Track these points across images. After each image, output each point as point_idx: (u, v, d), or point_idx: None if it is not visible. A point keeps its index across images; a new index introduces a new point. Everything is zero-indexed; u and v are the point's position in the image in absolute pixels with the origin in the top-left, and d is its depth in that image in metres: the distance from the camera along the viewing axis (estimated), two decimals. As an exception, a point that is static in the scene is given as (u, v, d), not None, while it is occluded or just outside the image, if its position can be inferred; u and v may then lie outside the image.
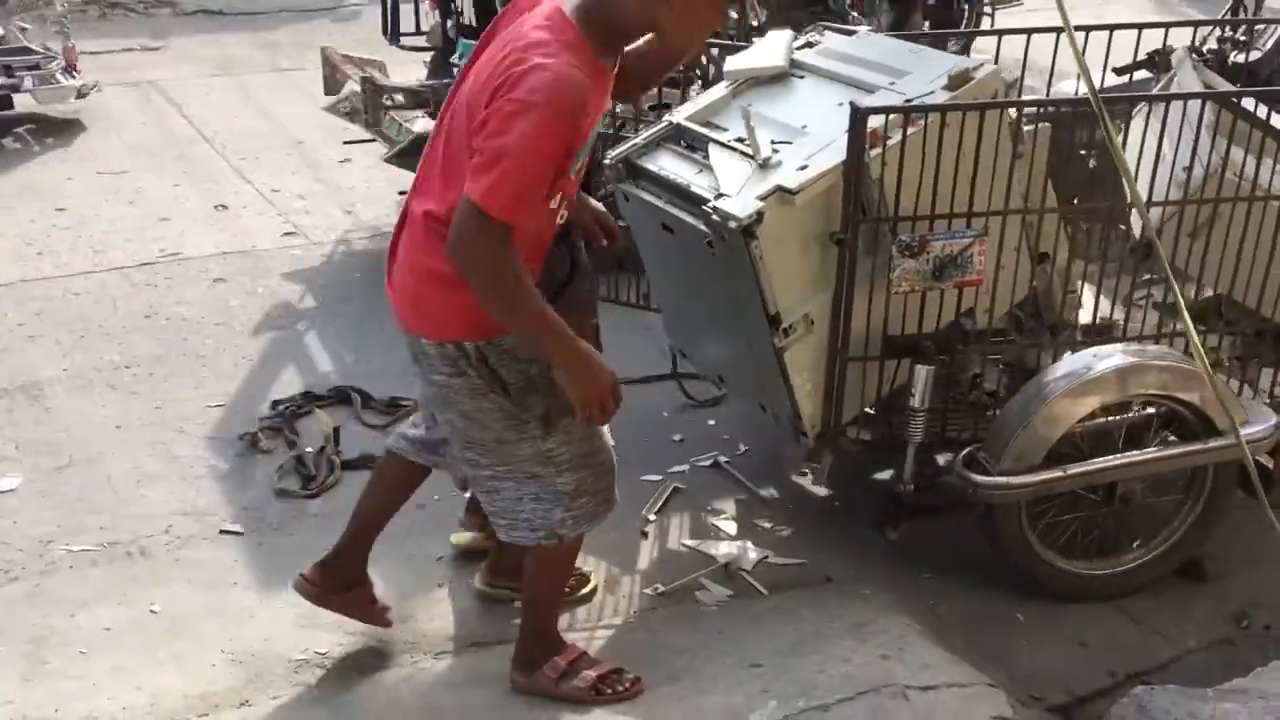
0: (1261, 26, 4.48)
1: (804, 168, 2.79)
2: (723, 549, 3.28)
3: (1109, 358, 2.88)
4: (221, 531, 3.32)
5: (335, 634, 2.92)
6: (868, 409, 3.11)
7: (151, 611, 3.00)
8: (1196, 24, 4.38)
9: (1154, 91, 3.72)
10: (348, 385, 4.03)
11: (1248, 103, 3.31)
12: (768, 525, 3.40)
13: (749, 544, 3.30)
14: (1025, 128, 3.02)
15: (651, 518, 3.41)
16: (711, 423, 3.93)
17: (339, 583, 2.83)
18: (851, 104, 2.76)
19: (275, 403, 3.94)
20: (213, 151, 6.40)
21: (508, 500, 2.52)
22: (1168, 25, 4.27)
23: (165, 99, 7.25)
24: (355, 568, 2.85)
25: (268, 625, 2.95)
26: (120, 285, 4.80)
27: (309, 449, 3.68)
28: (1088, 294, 3.36)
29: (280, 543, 3.28)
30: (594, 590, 3.08)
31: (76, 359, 4.23)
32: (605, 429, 2.52)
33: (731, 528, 3.39)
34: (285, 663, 2.83)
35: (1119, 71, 4.25)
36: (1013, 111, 3.01)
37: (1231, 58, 4.27)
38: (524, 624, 2.73)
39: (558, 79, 2.13)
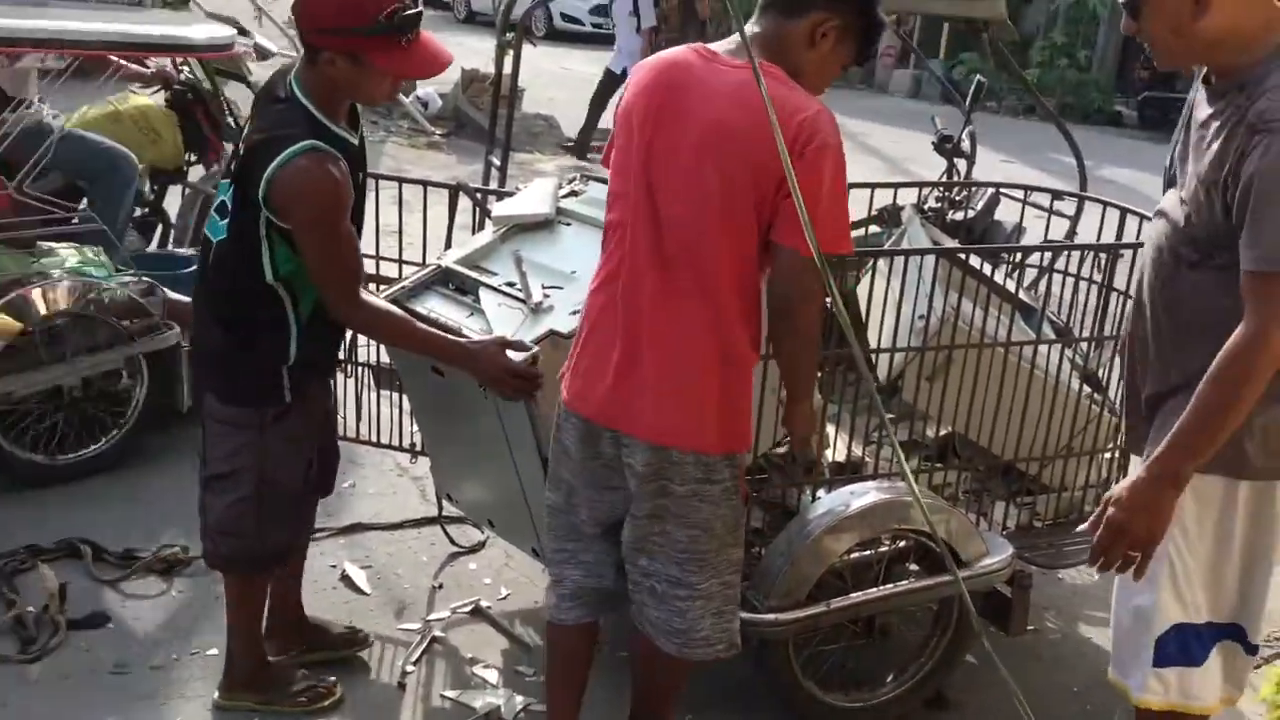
0: (975, 188, 4.94)
1: (576, 312, 2.82)
2: (484, 699, 3.18)
3: (864, 495, 3.00)
4: (-76, 703, 2.97)
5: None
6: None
7: None
8: (921, 185, 4.75)
9: (886, 246, 4.00)
10: (77, 537, 3.72)
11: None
12: (530, 672, 3.31)
13: (511, 692, 3.21)
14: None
15: (410, 669, 3.28)
16: (473, 567, 3.84)
17: None
18: None
19: (-8, 557, 3.59)
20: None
21: (691, 619, 2.53)
22: (896, 185, 4.63)
23: None
24: None
25: (-23, 809, 2.64)
26: None
27: (30, 608, 3.34)
28: (837, 434, 3.52)
29: (-7, 713, 2.96)
30: (339, 700, 3.10)
31: None
32: None
33: (493, 676, 3.29)
34: None
35: (854, 225, 4.56)
36: None
37: (949, 215, 4.66)
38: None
39: (831, 115, 2.27)
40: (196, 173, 5.53)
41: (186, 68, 5.37)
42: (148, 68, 5.39)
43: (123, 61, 5.06)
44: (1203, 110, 2.32)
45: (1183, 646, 2.43)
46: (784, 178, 2.14)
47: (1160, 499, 2.20)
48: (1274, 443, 2.29)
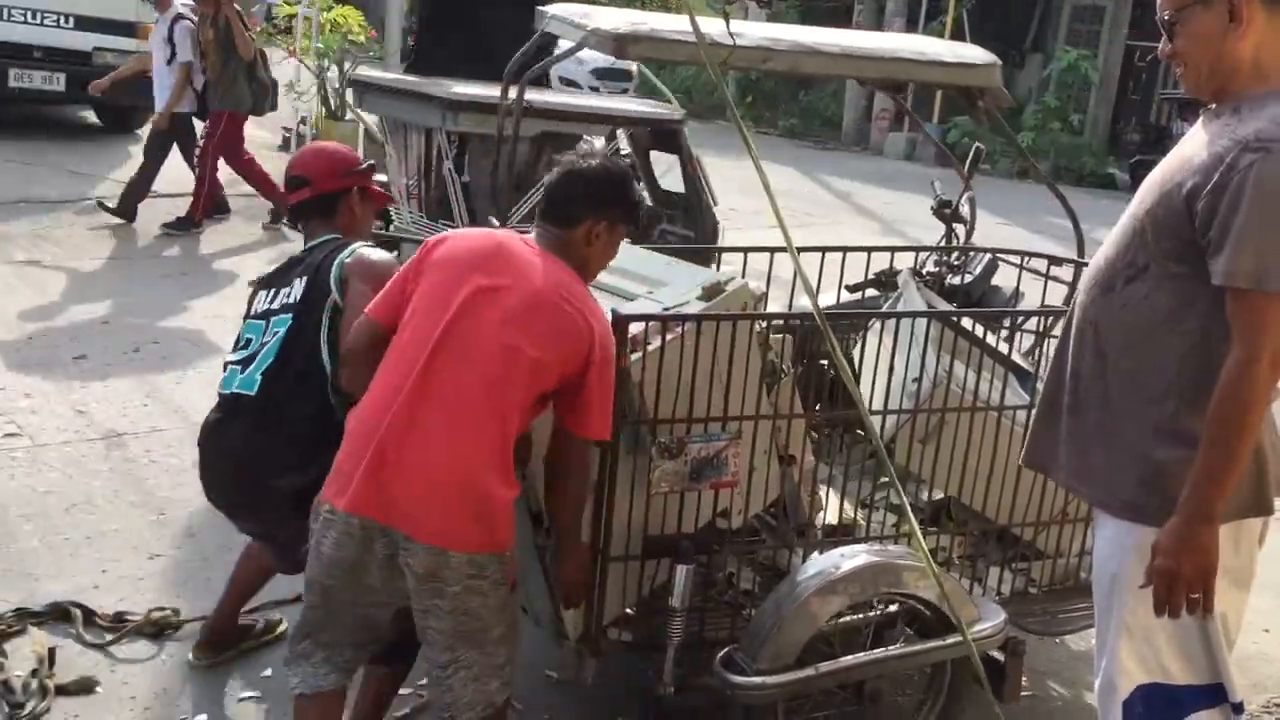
0: (973, 253, 4.98)
1: None
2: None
3: (855, 557, 2.99)
4: (-92, 768, 2.93)
5: None
6: (628, 609, 3.11)
7: None
8: (918, 249, 4.79)
9: (883, 309, 4.02)
10: (67, 600, 3.69)
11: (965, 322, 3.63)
12: (521, 736, 3.29)
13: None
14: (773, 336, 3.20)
15: (400, 735, 3.25)
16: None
17: None
18: (612, 311, 2.87)
19: (-19, 620, 3.56)
20: (-74, 345, 5.94)
21: (456, 692, 2.63)
22: (893, 249, 4.66)
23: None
24: None
25: None
26: None
27: (18, 673, 3.31)
28: (831, 496, 3.51)
29: (-23, 779, 2.92)
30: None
31: None
32: None
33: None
34: None
35: (851, 289, 4.59)
36: (761, 322, 3.18)
37: (948, 280, 4.69)
38: None
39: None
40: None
41: None
42: None
43: None
44: (1193, 131, 2.38)
45: (1150, 705, 2.42)
46: (584, 374, 2.56)
47: (1199, 537, 2.24)
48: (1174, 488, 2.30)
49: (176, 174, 9.10)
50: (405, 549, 2.50)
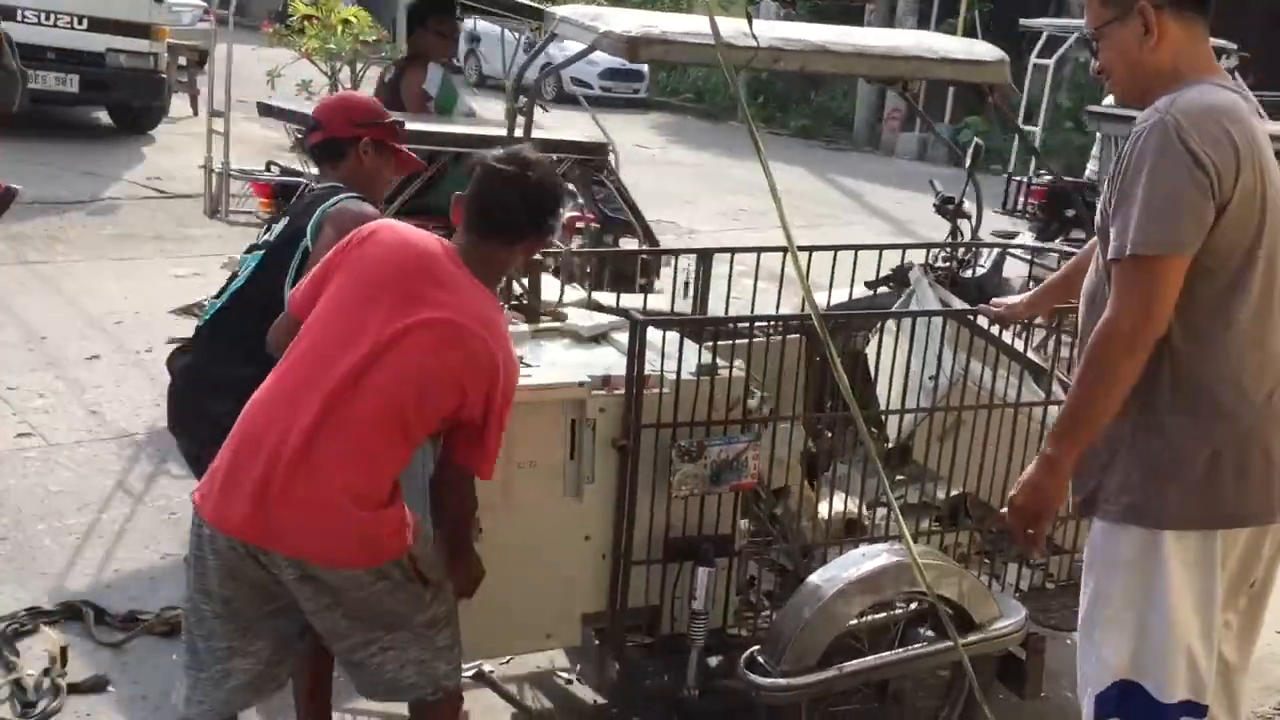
0: (982, 247, 4.97)
1: None
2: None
3: (876, 557, 2.97)
4: (-76, 771, 2.92)
5: None
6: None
7: None
8: (929, 245, 4.76)
9: (896, 306, 4.00)
10: (79, 599, 3.69)
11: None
12: (537, 737, 3.28)
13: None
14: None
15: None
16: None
17: None
18: (630, 316, 2.85)
19: (-7, 620, 3.56)
20: (-60, 346, 5.95)
21: (391, 670, 2.56)
22: (904, 246, 4.63)
23: (-109, 290, 6.73)
24: None
25: None
26: None
27: (30, 672, 3.31)
28: (845, 495, 3.49)
29: (-8, 782, 2.91)
30: None
31: None
32: None
33: (499, 741, 3.25)
34: None
35: (870, 285, 4.57)
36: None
37: (959, 274, 4.67)
38: None
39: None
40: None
41: None
42: None
43: None
44: None
45: (1124, 698, 2.44)
46: (486, 414, 2.46)
47: (1040, 479, 2.41)
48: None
49: (186, 173, 9.12)
50: (289, 566, 2.42)
